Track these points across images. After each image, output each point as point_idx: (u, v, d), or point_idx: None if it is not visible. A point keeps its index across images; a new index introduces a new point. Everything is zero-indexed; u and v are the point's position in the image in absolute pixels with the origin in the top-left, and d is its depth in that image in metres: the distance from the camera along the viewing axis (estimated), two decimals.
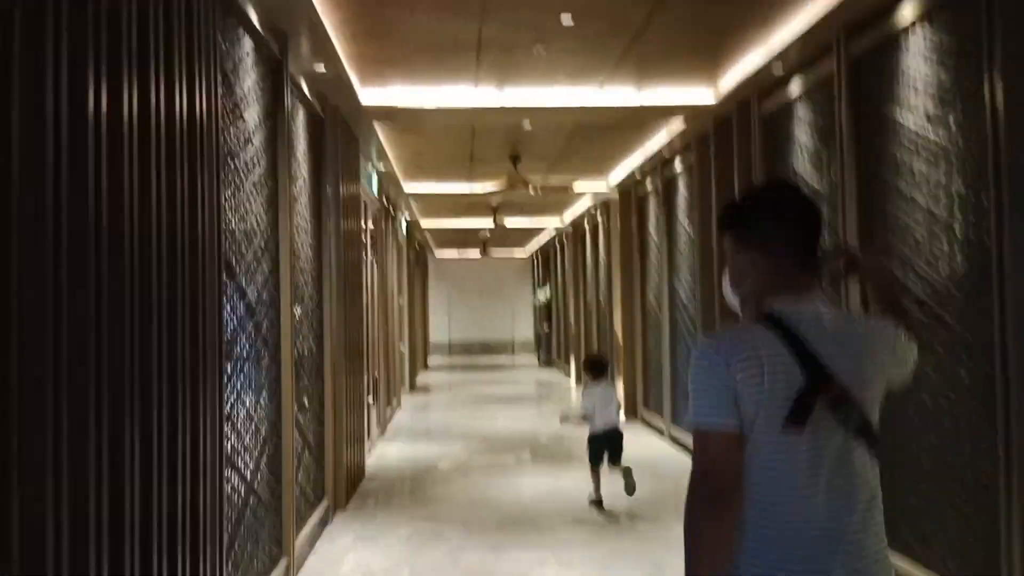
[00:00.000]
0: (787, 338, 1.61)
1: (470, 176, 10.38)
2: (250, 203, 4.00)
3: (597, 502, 6.08)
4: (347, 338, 6.37)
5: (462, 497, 6.60)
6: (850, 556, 1.59)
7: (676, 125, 7.63)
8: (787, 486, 1.60)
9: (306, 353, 5.36)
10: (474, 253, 22.16)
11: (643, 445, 8.40)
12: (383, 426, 9.97)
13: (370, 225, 9.18)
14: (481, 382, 16.77)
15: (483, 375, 18.57)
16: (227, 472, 3.39)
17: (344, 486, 6.17)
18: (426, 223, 15.68)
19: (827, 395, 1.58)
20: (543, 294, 21.02)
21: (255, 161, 4.13)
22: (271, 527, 4.24)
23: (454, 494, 6.70)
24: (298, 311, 5.08)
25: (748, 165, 6.33)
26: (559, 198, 13.06)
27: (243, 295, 3.80)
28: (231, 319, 3.55)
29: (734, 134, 6.48)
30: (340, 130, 6.34)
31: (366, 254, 8.81)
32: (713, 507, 1.56)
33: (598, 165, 10.16)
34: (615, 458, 6.15)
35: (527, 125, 7.47)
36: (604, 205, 12.36)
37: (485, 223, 15.00)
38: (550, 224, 16.07)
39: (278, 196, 4.52)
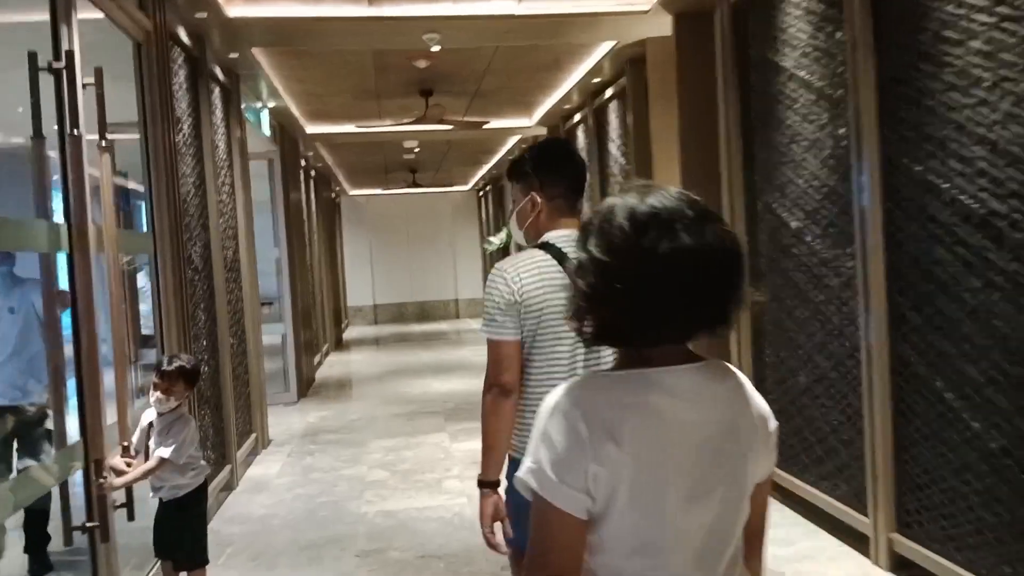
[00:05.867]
0: (561, 260, 2.15)
1: None
2: None
3: None
4: None
5: None
6: None
7: None
8: (558, 373, 2.16)
9: None
10: (401, 188, 16.36)
11: None
12: None
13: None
14: (418, 371, 11.04)
15: (421, 356, 12.81)
16: None
17: None
18: (316, 127, 9.80)
19: None
20: (498, 238, 15.34)
21: None
22: None
23: None
24: None
25: None
26: (530, 81, 7.40)
27: None
28: None
29: None
30: None
31: None
32: (503, 398, 2.18)
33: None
34: None
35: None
36: (631, 65, 6.71)
37: (411, 128, 9.14)
38: (511, 124, 10.35)
39: None
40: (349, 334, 16.59)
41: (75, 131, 3.06)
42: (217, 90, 6.06)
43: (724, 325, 1.18)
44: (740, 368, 4.98)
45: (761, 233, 4.79)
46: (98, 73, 3.16)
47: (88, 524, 3.04)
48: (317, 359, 11.36)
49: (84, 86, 3.14)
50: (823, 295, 4.17)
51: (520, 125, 10.32)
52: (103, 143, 3.22)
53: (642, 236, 1.14)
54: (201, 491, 3.41)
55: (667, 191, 1.20)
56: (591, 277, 1.17)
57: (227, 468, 5.37)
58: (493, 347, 2.21)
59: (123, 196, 5.88)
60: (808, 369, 4.38)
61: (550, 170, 2.31)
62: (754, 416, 1.23)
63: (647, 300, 1.12)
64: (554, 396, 1.20)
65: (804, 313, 4.36)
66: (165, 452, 3.21)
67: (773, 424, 1.27)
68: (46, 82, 3.10)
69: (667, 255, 1.13)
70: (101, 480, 3.05)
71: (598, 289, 1.16)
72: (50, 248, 3.05)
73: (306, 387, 9.48)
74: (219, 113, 6.12)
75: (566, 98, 8.46)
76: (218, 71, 6.02)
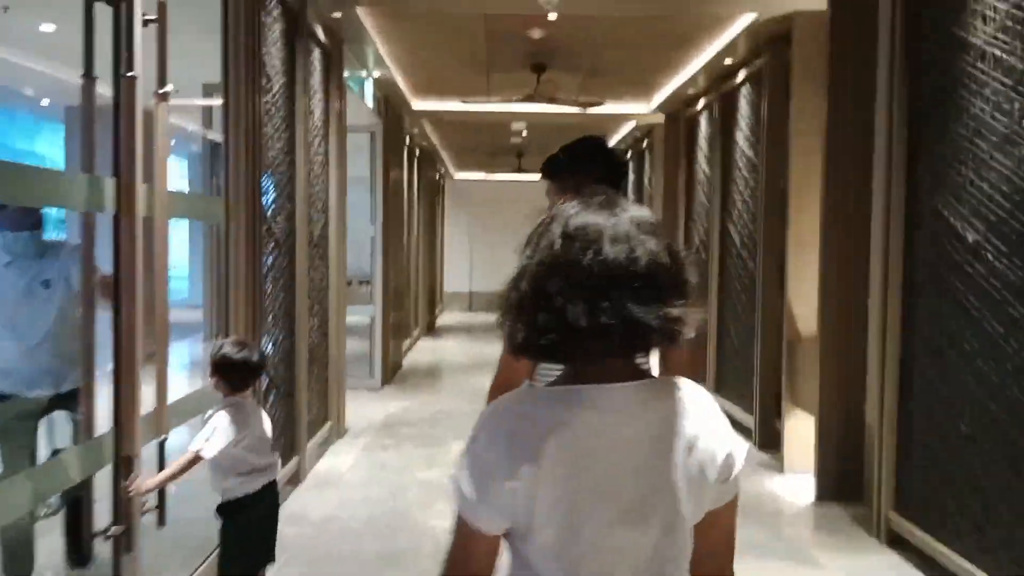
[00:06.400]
0: None
1: None
2: None
3: None
4: None
5: None
6: None
7: None
8: None
9: None
10: (507, 173, 15.90)
11: None
12: None
13: None
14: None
15: None
16: None
17: None
18: (422, 103, 9.40)
19: None
20: None
21: None
22: None
23: None
24: None
25: None
26: (652, 59, 6.71)
27: None
28: None
29: None
30: None
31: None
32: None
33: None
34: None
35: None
36: (771, 44, 5.95)
37: (519, 107, 8.58)
38: (627, 109, 9.66)
39: None
40: (442, 320, 16.29)
41: (130, 72, 2.65)
42: (317, 52, 5.67)
43: (666, 341, 1.13)
44: (882, 402, 4.22)
45: (922, 242, 4.02)
46: (161, 8, 2.74)
47: (112, 530, 2.64)
48: (406, 344, 11.04)
49: (145, 23, 2.72)
50: (1003, 327, 3.38)
51: (636, 111, 9.64)
52: (161, 90, 2.80)
53: (568, 249, 1.14)
54: (243, 502, 2.90)
55: (620, 206, 1.18)
56: (524, 285, 1.15)
57: (295, 460, 4.99)
58: (504, 360, 2.15)
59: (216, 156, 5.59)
60: (974, 415, 3.60)
61: (586, 170, 2.27)
62: (698, 438, 1.16)
63: (571, 313, 1.10)
64: (486, 410, 1.20)
65: (974, 345, 3.58)
66: (205, 450, 2.75)
67: (727, 448, 1.18)
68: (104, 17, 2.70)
69: (589, 269, 1.11)
70: (129, 481, 2.64)
71: (527, 298, 1.14)
72: (90, 207, 2.64)
73: (391, 373, 9.13)
74: (318, 77, 5.73)
75: (691, 81, 7.73)
76: (320, 31, 5.63)
